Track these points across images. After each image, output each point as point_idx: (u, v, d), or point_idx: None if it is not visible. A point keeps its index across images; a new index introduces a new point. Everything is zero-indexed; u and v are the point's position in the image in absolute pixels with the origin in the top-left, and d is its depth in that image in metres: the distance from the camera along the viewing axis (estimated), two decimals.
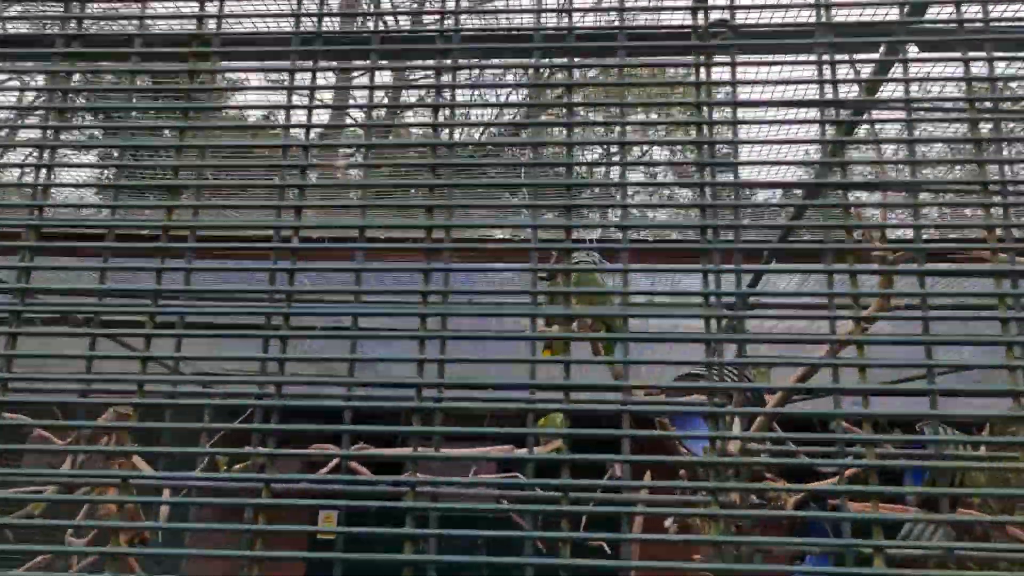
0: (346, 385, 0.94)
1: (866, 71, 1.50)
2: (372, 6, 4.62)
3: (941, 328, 0.98)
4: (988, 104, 1.05)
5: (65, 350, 1.02)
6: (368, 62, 1.10)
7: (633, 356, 1.03)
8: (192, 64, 1.14)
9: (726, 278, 0.98)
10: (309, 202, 1.02)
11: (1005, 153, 1.04)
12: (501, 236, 3.44)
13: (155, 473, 0.86)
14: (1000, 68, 1.05)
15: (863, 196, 1.45)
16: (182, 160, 1.09)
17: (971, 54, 1.06)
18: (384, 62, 1.17)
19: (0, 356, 1.03)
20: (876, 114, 1.43)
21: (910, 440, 1.00)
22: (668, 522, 2.27)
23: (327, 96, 6.21)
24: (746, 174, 1.05)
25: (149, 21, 1.20)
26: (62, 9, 1.22)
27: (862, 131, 2.02)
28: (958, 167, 2.76)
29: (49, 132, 1.15)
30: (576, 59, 1.07)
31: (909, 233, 1.07)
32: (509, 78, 2.14)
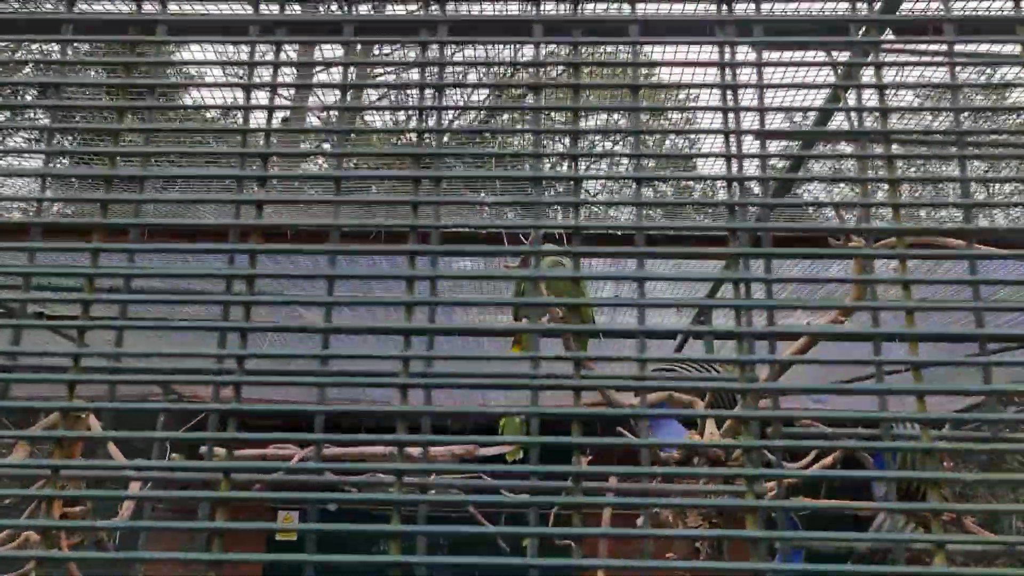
0: (317, 385, 0.86)
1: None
2: None
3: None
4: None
5: None
6: (339, 42, 1.02)
7: (606, 352, 0.99)
8: (133, 53, 1.04)
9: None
10: (272, 197, 0.95)
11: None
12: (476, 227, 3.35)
13: (91, 463, 0.77)
14: None
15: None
16: (118, 147, 0.98)
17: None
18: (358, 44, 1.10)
19: None
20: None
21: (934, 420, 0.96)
22: (640, 520, 2.24)
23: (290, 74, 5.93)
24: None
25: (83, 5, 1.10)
26: None
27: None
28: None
29: None
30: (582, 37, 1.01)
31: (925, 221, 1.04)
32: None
